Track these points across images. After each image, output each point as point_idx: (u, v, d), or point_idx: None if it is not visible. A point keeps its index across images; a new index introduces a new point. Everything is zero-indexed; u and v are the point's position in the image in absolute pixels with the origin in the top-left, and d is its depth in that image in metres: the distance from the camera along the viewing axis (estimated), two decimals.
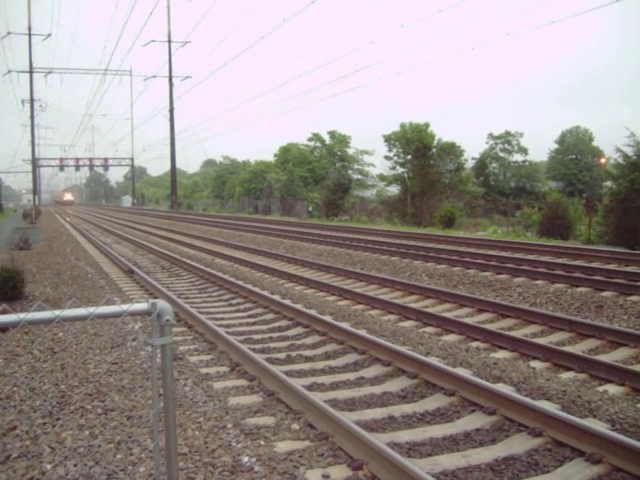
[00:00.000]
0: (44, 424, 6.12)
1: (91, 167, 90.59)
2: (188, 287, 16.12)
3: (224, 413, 6.58)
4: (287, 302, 12.43)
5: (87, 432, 5.91)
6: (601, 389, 7.42)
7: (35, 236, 27.39)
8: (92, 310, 3.07)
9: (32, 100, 63.23)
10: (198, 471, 5.15)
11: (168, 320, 3.17)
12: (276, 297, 13.10)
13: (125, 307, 3.14)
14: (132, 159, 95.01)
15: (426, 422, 6.54)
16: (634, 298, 11.89)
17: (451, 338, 9.96)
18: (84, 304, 10.87)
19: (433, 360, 8.10)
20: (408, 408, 6.89)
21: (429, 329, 10.62)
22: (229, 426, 6.20)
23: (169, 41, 47.04)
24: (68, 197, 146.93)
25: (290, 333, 10.57)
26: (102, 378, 7.59)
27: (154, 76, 55.86)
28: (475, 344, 9.56)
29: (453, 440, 6.05)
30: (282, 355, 9.12)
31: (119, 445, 5.61)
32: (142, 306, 3.19)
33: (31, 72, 59.86)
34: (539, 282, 14.02)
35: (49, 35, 57.31)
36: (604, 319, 11.01)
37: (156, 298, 12.19)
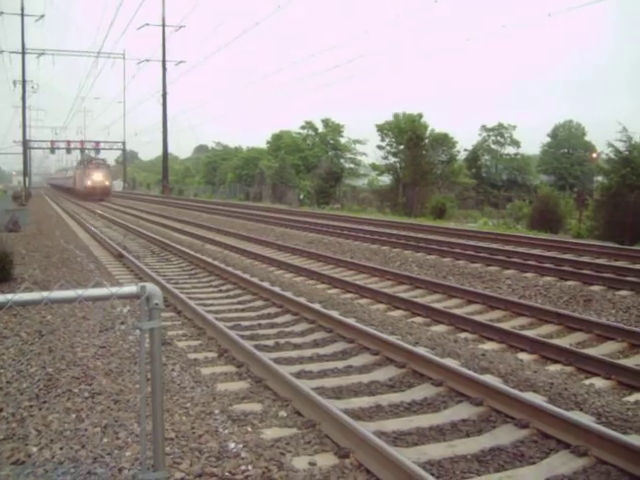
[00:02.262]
0: (30, 407, 6.10)
1: (82, 150, 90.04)
2: (178, 272, 16.09)
3: (212, 399, 6.57)
4: (276, 289, 12.42)
5: (74, 415, 5.89)
6: (588, 382, 7.45)
7: (25, 218, 27.22)
8: (81, 292, 3.05)
9: (24, 81, 62.79)
10: (184, 456, 5.14)
11: (157, 304, 3.15)
12: (266, 284, 13.10)
13: (114, 290, 3.12)
14: (124, 143, 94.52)
15: (413, 412, 6.55)
16: (622, 293, 11.93)
17: (440, 329, 9.98)
18: (73, 287, 10.83)
19: (421, 350, 8.11)
20: (395, 397, 6.90)
21: (418, 319, 10.63)
22: (216, 412, 6.20)
23: (163, 25, 46.83)
24: (98, 179, 68.58)
25: (279, 320, 10.56)
26: (90, 361, 7.56)
27: (147, 60, 55.61)
28: (464, 335, 9.58)
29: (440, 430, 6.06)
30: (271, 342, 9.12)
31: (105, 429, 5.60)
32: (131, 289, 3.17)
33: (23, 53, 59.44)
34: (528, 275, 14.05)
35: (42, 16, 56.87)
36: (592, 313, 11.04)
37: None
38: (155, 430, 3.26)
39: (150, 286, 3.18)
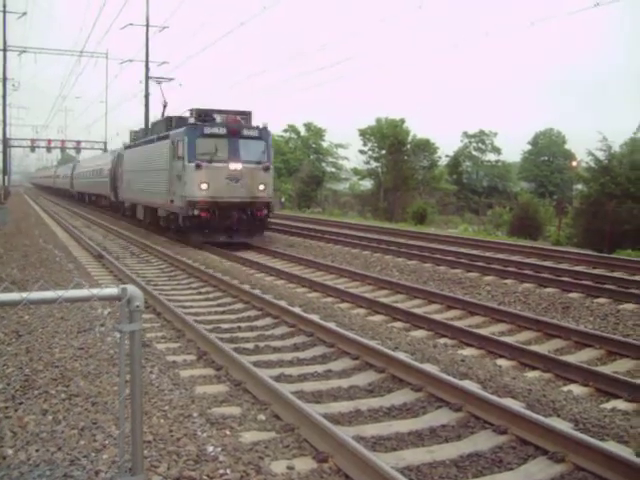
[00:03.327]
0: (6, 408, 6.03)
1: (63, 149, 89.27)
2: (157, 274, 16.02)
3: (190, 402, 6.53)
4: (257, 292, 12.40)
5: (50, 417, 5.83)
6: (566, 389, 7.49)
7: (3, 217, 26.97)
8: (61, 293, 3.02)
9: (5, 79, 62.08)
10: (162, 459, 5.11)
11: (138, 306, 3.13)
12: (246, 287, 13.07)
13: (95, 291, 3.10)
14: (105, 143, 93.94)
15: (392, 416, 6.55)
16: (600, 300, 12.01)
17: (419, 334, 9.99)
18: (52, 287, 10.74)
19: (401, 355, 8.12)
20: (375, 402, 6.90)
21: (398, 324, 10.64)
22: (195, 415, 6.16)
23: (147, 25, 46.59)
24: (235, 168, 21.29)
25: (259, 323, 10.54)
26: (67, 363, 7.49)
27: (130, 60, 55.32)
28: (443, 340, 9.60)
29: (419, 435, 6.07)
30: (250, 345, 9.09)
31: (83, 431, 5.54)
32: (112, 291, 3.14)
33: (5, 50, 58.85)
34: (508, 281, 14.11)
35: (24, 13, 56.37)
36: (570, 320, 11.10)
37: (125, 284, 12.09)
38: (134, 433, 3.24)
39: (131, 288, 3.16)
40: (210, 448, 5.38)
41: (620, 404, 7.00)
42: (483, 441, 5.89)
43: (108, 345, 8.29)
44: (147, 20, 46.94)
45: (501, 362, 8.53)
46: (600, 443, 5.41)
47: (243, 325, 10.39)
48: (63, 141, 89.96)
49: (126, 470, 3.40)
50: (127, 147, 33.74)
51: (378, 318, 11.07)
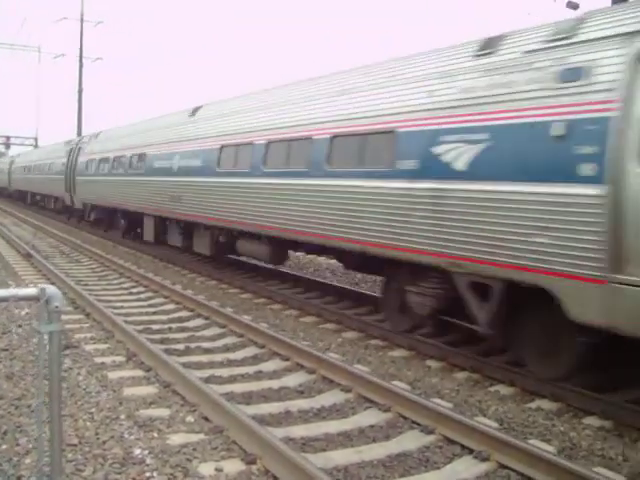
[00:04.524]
0: None
1: None
2: (88, 274, 15.72)
3: (118, 404, 6.45)
4: (188, 293, 12.30)
5: None
6: (492, 389, 7.63)
7: None
8: None
9: None
10: (87, 463, 5.03)
11: (57, 307, 3.07)
12: (178, 287, 12.95)
13: (13, 292, 3.03)
14: (36, 139, 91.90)
15: (322, 417, 6.58)
16: None
17: (351, 335, 10.04)
18: None
19: (332, 356, 8.16)
20: (305, 403, 6.92)
21: (330, 325, 10.67)
22: (122, 417, 6.09)
23: (81, 20, 45.83)
24: None
25: (190, 324, 10.45)
26: None
27: (63, 54, 54.19)
28: (374, 342, 9.66)
29: (347, 436, 6.10)
30: (181, 346, 9.00)
31: (5, 435, 5.42)
32: (31, 291, 3.08)
33: None
34: None
35: None
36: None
37: (53, 284, 11.81)
38: (52, 436, 3.17)
39: (50, 288, 3.10)
40: (137, 451, 5.32)
41: (545, 404, 7.16)
42: (411, 441, 5.97)
43: (33, 346, 8.11)
44: (81, 15, 46.20)
45: (430, 363, 8.63)
46: (522, 443, 5.54)
47: (174, 326, 10.28)
48: None
49: (47, 474, 3.33)
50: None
51: (310, 319, 11.08)
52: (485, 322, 7.78)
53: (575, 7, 18.54)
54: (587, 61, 6.75)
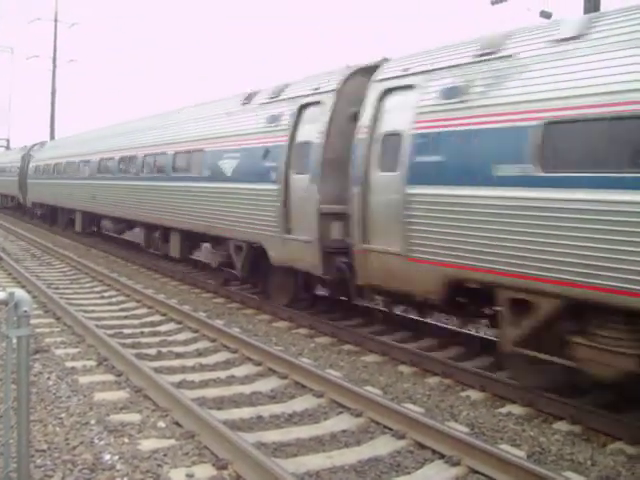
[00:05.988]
0: None
1: None
2: (59, 277, 15.57)
3: (88, 409, 6.41)
4: (161, 297, 12.24)
5: None
6: (464, 394, 7.67)
7: None
8: None
9: None
10: (57, 469, 4.99)
11: (26, 311, 3.04)
12: (150, 292, 12.87)
13: None
14: (8, 141, 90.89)
15: (294, 423, 6.57)
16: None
17: (323, 340, 10.04)
18: None
19: (304, 361, 8.16)
20: (277, 408, 6.90)
21: (302, 330, 10.66)
22: (92, 422, 6.04)
23: (55, 20, 45.48)
24: None
25: (162, 329, 10.40)
26: None
27: (36, 56, 53.75)
28: (347, 347, 9.67)
29: (319, 441, 6.10)
30: (153, 351, 8.95)
31: None
32: None
33: None
34: None
35: None
36: (471, 327, 11.32)
37: (24, 287, 11.69)
38: (19, 442, 3.14)
39: (19, 292, 3.07)
40: (107, 456, 5.29)
41: (515, 409, 7.21)
42: (382, 446, 5.98)
43: (2, 350, 8.02)
44: (55, 16, 45.86)
45: (403, 368, 8.65)
46: (492, 447, 5.58)
47: (146, 330, 10.22)
48: None
49: None
50: None
51: (282, 324, 11.07)
52: (239, 268, 12.56)
53: (548, 16, 18.99)
54: (279, 112, 11.58)
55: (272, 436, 6.10)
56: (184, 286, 14.80)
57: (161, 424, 6.17)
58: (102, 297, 13.05)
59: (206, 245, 14.10)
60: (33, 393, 6.47)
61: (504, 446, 5.92)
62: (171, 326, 10.53)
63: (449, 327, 10.70)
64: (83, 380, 7.40)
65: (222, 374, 8.06)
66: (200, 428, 5.87)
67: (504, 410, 7.17)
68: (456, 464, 5.55)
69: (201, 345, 9.41)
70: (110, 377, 7.62)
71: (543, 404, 7.15)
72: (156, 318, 11.10)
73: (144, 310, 11.72)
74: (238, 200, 12.28)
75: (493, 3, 20.82)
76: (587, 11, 14.04)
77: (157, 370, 7.74)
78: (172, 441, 5.78)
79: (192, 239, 15.07)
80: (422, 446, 5.94)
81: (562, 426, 6.71)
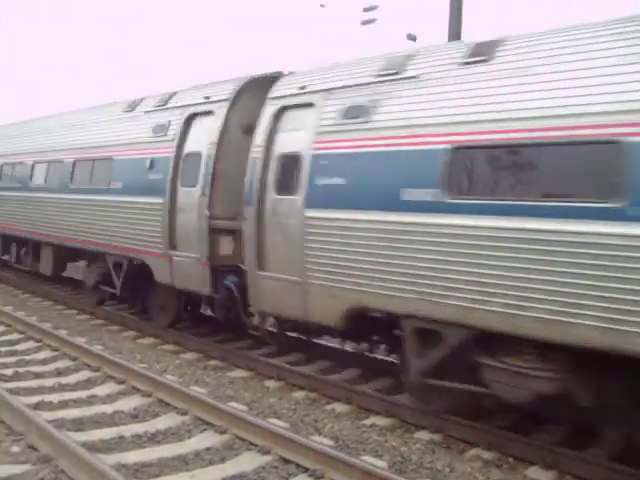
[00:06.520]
0: None
1: None
2: None
3: None
4: (20, 315, 11.73)
5: None
6: (329, 407, 7.76)
7: None
8: None
9: None
10: None
11: None
12: (8, 309, 12.31)
13: None
14: None
15: (157, 442, 6.45)
16: None
17: (190, 356, 9.91)
18: None
19: (168, 379, 8.03)
20: (139, 427, 6.76)
21: (169, 347, 10.48)
22: None
23: None
24: None
25: (20, 347, 9.97)
26: None
27: None
28: (213, 362, 9.58)
29: (183, 460, 6.02)
30: (9, 371, 8.56)
31: None
32: None
33: None
34: None
35: None
36: (338, 341, 11.37)
37: None
38: None
39: None
40: None
41: (379, 420, 7.36)
42: (247, 462, 5.98)
43: None
44: None
45: (269, 383, 8.67)
46: (355, 460, 5.68)
47: (3, 350, 9.76)
48: None
49: None
50: None
51: (149, 341, 10.85)
52: (119, 286, 11.81)
53: (414, 39, 19.71)
54: (166, 121, 10.97)
55: (134, 457, 5.95)
56: (47, 302, 14.24)
57: (15, 449, 5.91)
58: None
59: (80, 262, 13.24)
60: None
61: (366, 457, 6.05)
62: (30, 344, 10.11)
63: (322, 343, 10.51)
64: None
65: (83, 394, 7.81)
66: (57, 452, 5.67)
67: (368, 422, 7.31)
68: (320, 477, 5.63)
69: (61, 364, 9.08)
70: None
71: (406, 414, 7.36)
72: (14, 336, 10.62)
73: (1, 328, 11.18)
74: (117, 214, 11.58)
75: (363, 23, 21.53)
76: (451, 36, 14.56)
77: (13, 391, 7.41)
78: (27, 466, 5.54)
79: (67, 255, 13.92)
80: (286, 461, 5.97)
81: (423, 435, 6.92)
